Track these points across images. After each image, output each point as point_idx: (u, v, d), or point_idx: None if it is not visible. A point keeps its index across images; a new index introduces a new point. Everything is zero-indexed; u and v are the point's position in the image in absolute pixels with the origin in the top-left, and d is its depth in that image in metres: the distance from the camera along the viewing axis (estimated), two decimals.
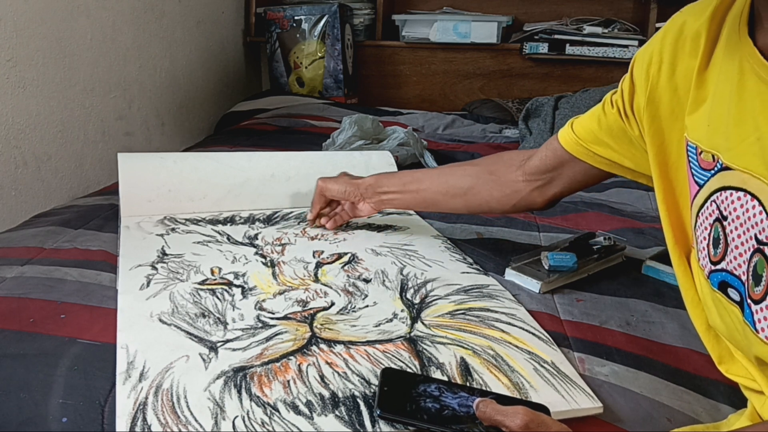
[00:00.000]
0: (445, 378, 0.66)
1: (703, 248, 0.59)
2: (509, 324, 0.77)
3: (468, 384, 0.65)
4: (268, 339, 0.72)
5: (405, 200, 0.98)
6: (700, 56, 0.61)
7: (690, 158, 0.61)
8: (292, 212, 1.15)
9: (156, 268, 0.90)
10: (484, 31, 2.22)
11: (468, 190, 0.92)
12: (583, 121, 0.79)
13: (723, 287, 0.56)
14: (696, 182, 0.60)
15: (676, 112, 0.64)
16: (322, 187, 1.02)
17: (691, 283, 0.64)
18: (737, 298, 0.55)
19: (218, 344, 0.71)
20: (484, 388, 0.64)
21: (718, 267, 0.57)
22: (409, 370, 0.67)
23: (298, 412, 0.60)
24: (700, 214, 0.59)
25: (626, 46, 2.13)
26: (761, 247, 0.52)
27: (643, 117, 0.67)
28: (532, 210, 0.92)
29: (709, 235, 0.58)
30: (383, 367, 0.66)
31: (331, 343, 0.72)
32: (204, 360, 0.68)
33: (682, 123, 0.63)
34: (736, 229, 0.54)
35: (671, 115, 0.64)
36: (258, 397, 0.62)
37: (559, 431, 0.54)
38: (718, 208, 0.56)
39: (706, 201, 0.58)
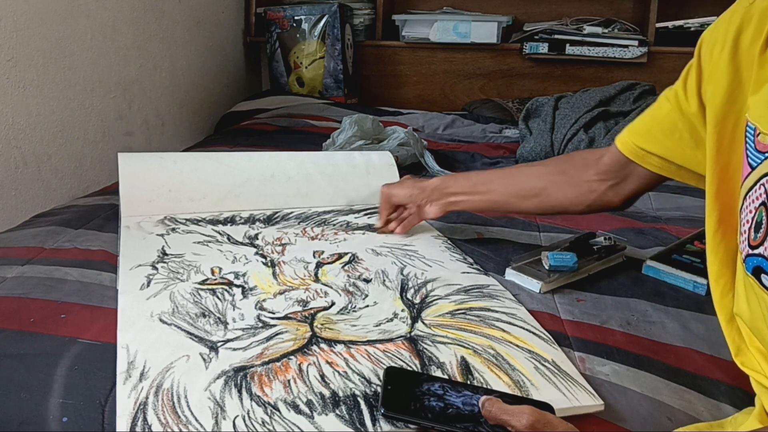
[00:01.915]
0: (446, 377, 0.66)
1: (744, 231, 0.57)
2: (510, 323, 0.77)
3: (469, 383, 0.65)
4: (268, 339, 0.72)
5: (473, 202, 0.96)
6: (765, 35, 0.59)
7: (747, 139, 0.59)
8: (292, 212, 1.15)
9: (156, 268, 0.90)
10: (484, 31, 2.22)
11: (541, 191, 0.90)
12: (637, 121, 0.78)
13: (757, 273, 0.55)
14: (749, 164, 0.58)
15: (735, 93, 0.62)
16: (388, 194, 1.02)
17: (725, 270, 0.62)
18: None
19: (219, 344, 0.71)
20: (487, 387, 0.64)
21: (756, 252, 0.55)
22: (410, 369, 0.67)
23: (299, 412, 0.60)
24: (747, 197, 0.57)
25: (626, 46, 2.13)
26: None
27: (706, 98, 0.65)
28: (609, 210, 0.90)
29: (753, 218, 0.56)
30: (386, 366, 0.66)
31: (331, 342, 0.72)
32: (204, 360, 0.68)
33: (742, 104, 0.61)
34: None
35: (730, 95, 0.62)
36: (258, 396, 0.62)
37: (566, 431, 0.54)
38: (766, 191, 0.55)
39: (755, 184, 0.56)
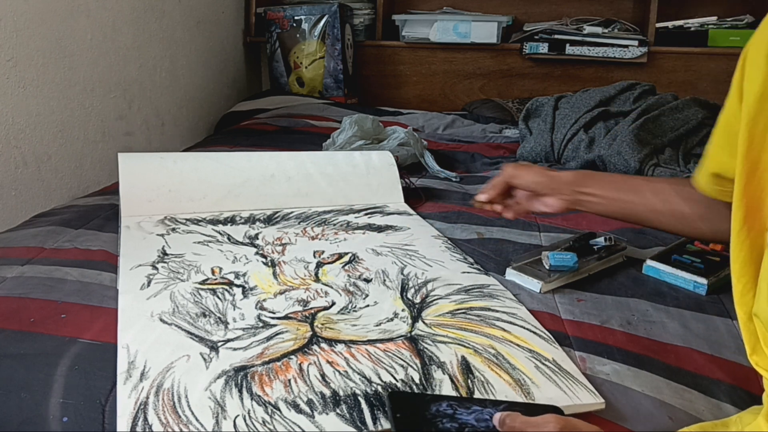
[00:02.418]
0: (446, 377, 0.66)
1: None
2: (510, 323, 0.77)
3: (469, 382, 0.65)
4: (268, 338, 0.72)
5: (607, 207, 0.86)
6: None
7: None
8: (292, 212, 1.15)
9: (156, 268, 0.90)
10: (484, 31, 2.22)
11: (689, 215, 0.81)
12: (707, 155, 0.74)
13: None
14: None
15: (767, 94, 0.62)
16: (512, 174, 0.90)
17: (747, 269, 0.60)
18: None
19: (219, 344, 0.71)
20: (494, 398, 0.62)
21: None
22: (410, 368, 0.67)
23: (300, 411, 0.60)
24: None
25: (626, 46, 2.13)
26: None
27: (746, 100, 0.64)
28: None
29: None
30: (389, 391, 0.64)
31: (332, 342, 0.72)
32: (205, 359, 0.68)
33: None
34: None
35: (764, 93, 0.62)
36: (259, 396, 0.62)
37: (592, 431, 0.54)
38: None
39: None
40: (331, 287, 0.85)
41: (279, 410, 0.60)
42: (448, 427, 0.57)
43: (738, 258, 0.62)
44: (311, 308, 0.79)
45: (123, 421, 0.59)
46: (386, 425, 0.59)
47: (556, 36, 2.19)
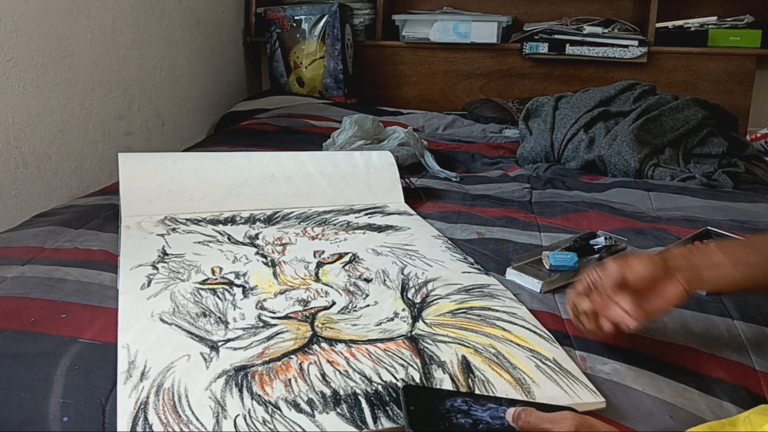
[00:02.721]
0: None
1: None
2: (510, 323, 0.77)
3: (470, 381, 0.65)
4: (269, 338, 0.72)
5: (738, 276, 0.69)
6: None
7: None
8: (292, 212, 1.15)
9: (157, 268, 0.90)
10: (484, 31, 2.22)
11: None
12: None
13: None
14: None
15: None
16: (622, 271, 0.68)
17: None
18: None
19: (219, 343, 0.71)
20: (510, 398, 0.62)
21: None
22: (411, 368, 0.67)
23: (300, 410, 0.60)
24: None
25: (626, 46, 2.13)
26: None
27: None
28: None
29: None
30: (404, 384, 0.64)
31: (332, 341, 0.72)
32: (205, 359, 0.68)
33: None
34: None
35: None
36: (259, 395, 0.62)
37: (609, 431, 0.53)
38: None
39: None
40: (332, 287, 0.85)
41: (279, 410, 0.60)
42: (462, 423, 0.57)
43: None
44: (311, 308, 0.79)
45: (123, 421, 0.59)
46: (387, 424, 0.59)
47: (556, 36, 2.20)
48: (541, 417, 0.54)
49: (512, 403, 0.59)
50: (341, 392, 0.63)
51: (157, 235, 1.02)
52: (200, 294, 0.82)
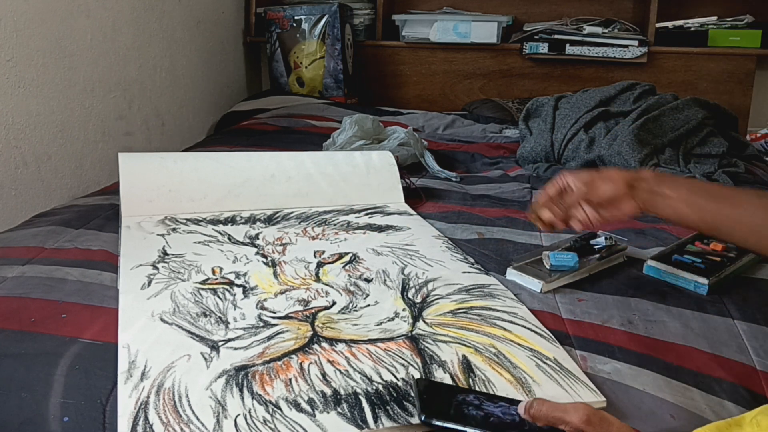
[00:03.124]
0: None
1: None
2: (511, 322, 0.77)
3: (470, 380, 0.65)
4: (269, 338, 0.72)
5: (684, 211, 0.78)
6: None
7: None
8: (292, 212, 1.14)
9: (157, 268, 0.90)
10: (484, 31, 2.22)
11: None
12: None
13: None
14: None
15: None
16: (585, 192, 0.82)
17: None
18: None
19: (220, 343, 0.71)
20: (518, 399, 0.62)
21: None
22: (411, 368, 0.67)
23: (300, 410, 0.60)
24: None
25: (626, 46, 2.13)
26: None
27: None
28: None
29: None
30: (416, 377, 0.65)
31: (332, 341, 0.72)
32: (205, 359, 0.68)
33: None
34: None
35: None
36: (260, 395, 0.62)
37: (620, 428, 0.54)
38: None
39: None
40: (332, 287, 0.85)
41: (280, 409, 0.60)
42: (474, 414, 0.57)
43: None
44: (312, 308, 0.79)
45: (124, 421, 0.59)
46: (387, 424, 0.59)
47: (556, 36, 2.19)
48: (552, 406, 0.55)
49: None
50: (342, 392, 0.63)
51: (158, 235, 1.02)
52: (200, 294, 0.82)
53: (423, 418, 0.57)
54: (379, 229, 1.08)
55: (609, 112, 1.59)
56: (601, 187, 0.82)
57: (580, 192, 0.83)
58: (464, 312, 0.79)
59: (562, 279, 0.89)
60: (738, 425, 0.58)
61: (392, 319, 0.77)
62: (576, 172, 0.85)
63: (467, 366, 0.68)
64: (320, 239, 1.03)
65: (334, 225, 1.09)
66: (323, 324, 0.75)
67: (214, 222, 1.08)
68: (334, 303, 0.81)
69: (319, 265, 0.92)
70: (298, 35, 2.27)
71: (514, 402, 0.60)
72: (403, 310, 0.80)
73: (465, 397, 0.60)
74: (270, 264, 0.92)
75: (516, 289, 0.87)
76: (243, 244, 1.00)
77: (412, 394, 0.62)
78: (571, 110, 1.61)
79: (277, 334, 0.73)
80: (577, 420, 0.53)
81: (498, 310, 0.80)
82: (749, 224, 0.75)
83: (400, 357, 0.69)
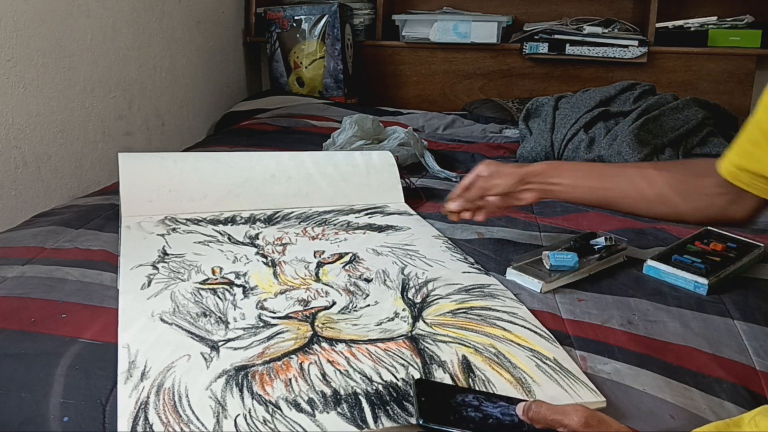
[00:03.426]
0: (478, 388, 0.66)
1: None
2: (511, 322, 0.77)
3: (470, 381, 0.65)
4: (269, 338, 0.72)
5: (577, 194, 0.91)
6: None
7: None
8: (293, 212, 1.15)
9: (157, 268, 0.90)
10: (484, 31, 2.22)
11: (657, 197, 0.85)
12: (734, 145, 0.76)
13: None
14: None
15: None
16: (486, 188, 0.94)
17: None
18: None
19: (219, 343, 0.71)
20: (519, 398, 0.62)
21: None
22: (411, 368, 0.67)
23: (300, 410, 0.60)
24: None
25: (626, 46, 2.13)
26: None
27: None
28: (731, 225, 0.84)
29: None
30: (416, 378, 0.65)
31: (332, 341, 0.72)
32: (205, 359, 0.68)
33: None
34: None
35: None
36: (260, 395, 0.62)
37: (618, 430, 0.54)
38: None
39: None
40: (332, 287, 0.85)
41: (280, 409, 0.60)
42: (473, 416, 0.57)
43: None
44: (312, 308, 0.79)
45: (124, 421, 0.59)
46: (387, 424, 0.59)
47: (556, 36, 2.19)
48: (551, 408, 0.55)
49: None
50: (342, 392, 0.63)
51: (158, 235, 1.02)
52: (200, 294, 0.82)
53: (420, 421, 0.57)
54: (379, 229, 1.08)
55: (609, 112, 1.59)
56: (498, 182, 0.93)
57: (481, 186, 0.94)
58: (464, 312, 0.79)
59: (562, 279, 0.89)
60: (737, 426, 0.58)
61: (392, 319, 0.77)
62: (482, 165, 0.95)
63: (467, 366, 0.68)
64: (320, 239, 1.03)
65: (334, 225, 1.09)
66: (323, 324, 0.75)
67: (214, 222, 1.08)
68: (334, 303, 0.81)
69: (319, 265, 0.92)
70: (298, 35, 2.27)
71: (515, 401, 0.60)
72: (403, 310, 0.80)
73: (464, 397, 0.60)
74: (270, 264, 0.92)
75: (516, 289, 0.87)
76: (243, 244, 1.00)
77: (412, 395, 0.62)
78: (571, 110, 1.61)
79: (277, 334, 0.73)
80: (575, 422, 0.53)
81: (498, 310, 0.80)
82: (631, 194, 0.87)
83: (400, 357, 0.69)
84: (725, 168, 0.76)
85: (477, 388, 0.64)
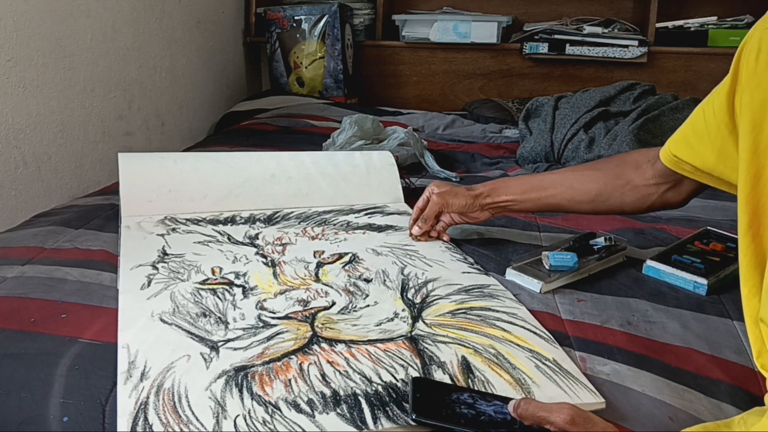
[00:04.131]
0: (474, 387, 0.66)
1: None
2: (510, 323, 0.77)
3: (470, 381, 0.65)
4: (269, 338, 0.72)
5: (525, 206, 0.99)
6: None
7: None
8: (292, 212, 1.15)
9: (157, 268, 0.90)
10: (484, 31, 2.22)
11: (597, 195, 0.92)
12: (677, 131, 0.82)
13: None
14: None
15: None
16: (442, 204, 1.00)
17: (753, 273, 0.62)
18: None
19: (219, 344, 0.71)
20: (513, 398, 0.63)
21: None
22: (411, 368, 0.67)
23: (300, 411, 0.60)
24: None
25: (626, 46, 2.13)
26: None
27: (742, 104, 0.66)
28: (669, 209, 0.91)
29: None
30: (413, 376, 0.65)
31: (332, 342, 0.72)
32: (205, 359, 0.68)
33: None
34: None
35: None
36: (259, 395, 0.62)
37: (605, 428, 0.54)
38: None
39: None
40: (332, 287, 0.85)
41: (279, 410, 0.60)
42: (465, 413, 0.58)
43: (743, 262, 0.62)
44: (311, 308, 0.79)
45: (123, 421, 0.59)
46: (387, 425, 0.59)
47: (556, 36, 2.19)
48: (539, 406, 0.56)
49: None
50: (341, 392, 0.63)
51: (157, 235, 1.02)
52: (200, 294, 0.82)
53: (414, 416, 0.58)
54: (379, 229, 1.08)
55: (609, 112, 1.59)
56: (453, 201, 1.00)
57: (437, 202, 1.00)
58: (464, 312, 0.80)
59: (561, 279, 0.89)
60: (727, 427, 0.59)
61: (392, 319, 0.77)
62: (433, 185, 1.02)
63: (467, 367, 0.68)
64: (320, 239, 1.03)
65: (334, 225, 1.09)
66: (323, 324, 0.75)
67: (214, 222, 1.08)
68: (333, 303, 0.81)
69: (319, 265, 0.92)
70: (298, 35, 2.28)
71: (509, 400, 0.60)
72: (403, 310, 0.80)
73: (459, 395, 0.61)
74: (270, 264, 0.92)
75: (515, 289, 0.87)
76: (243, 244, 1.00)
77: (408, 392, 0.62)
78: (571, 110, 1.62)
79: (277, 334, 0.73)
80: (561, 420, 0.54)
81: (497, 311, 0.80)
82: (576, 196, 0.93)
83: (400, 358, 0.69)
84: (667, 158, 0.82)
85: (475, 389, 0.65)
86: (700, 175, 0.79)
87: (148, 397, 0.62)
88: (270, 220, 1.10)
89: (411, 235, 1.03)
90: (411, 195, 1.26)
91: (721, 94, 0.71)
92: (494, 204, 0.99)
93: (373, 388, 0.64)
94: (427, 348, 0.71)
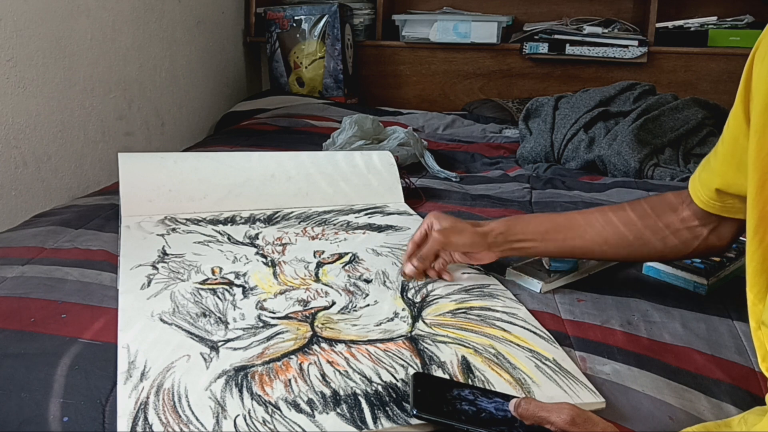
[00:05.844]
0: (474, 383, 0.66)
1: None
2: (510, 323, 0.77)
3: (470, 381, 0.65)
4: (269, 338, 0.72)
5: (546, 248, 0.86)
6: None
7: None
8: (292, 212, 1.15)
9: (157, 268, 0.90)
10: (484, 31, 2.22)
11: (634, 241, 0.82)
12: (703, 171, 0.75)
13: None
14: None
15: None
16: (444, 242, 0.86)
17: (759, 278, 0.60)
18: None
19: (219, 344, 0.71)
20: (513, 395, 0.63)
21: None
22: (411, 368, 0.67)
23: (300, 411, 0.60)
24: None
25: (626, 46, 2.13)
26: None
27: (753, 109, 0.64)
28: (714, 254, 0.83)
29: None
30: (414, 371, 0.65)
31: (332, 342, 0.72)
32: (205, 359, 0.68)
33: None
34: None
35: None
36: (259, 395, 0.62)
37: (605, 428, 0.54)
38: None
39: None
40: (332, 287, 0.85)
41: (279, 410, 0.60)
42: (465, 409, 0.58)
43: (750, 268, 0.61)
44: (311, 308, 0.79)
45: (123, 421, 0.59)
46: (387, 425, 0.59)
47: (556, 36, 2.20)
48: (539, 405, 0.56)
49: None
50: (341, 392, 0.63)
51: (157, 235, 1.02)
52: (200, 294, 0.82)
53: (414, 411, 0.58)
54: (379, 229, 1.08)
55: (609, 112, 1.59)
56: (455, 241, 0.87)
57: (438, 240, 0.86)
58: (464, 312, 0.80)
59: (561, 279, 0.89)
60: (727, 426, 0.59)
61: (392, 319, 0.77)
62: (433, 218, 0.88)
63: (467, 367, 0.68)
64: (320, 239, 1.03)
65: (334, 225, 1.09)
66: (323, 324, 0.75)
67: (214, 222, 1.08)
68: (333, 303, 0.81)
69: (319, 265, 0.92)
70: (298, 35, 2.28)
71: (510, 398, 0.60)
72: (403, 310, 0.80)
73: (460, 392, 0.61)
74: (270, 264, 0.92)
75: (515, 289, 0.87)
76: (243, 244, 1.00)
77: (409, 388, 0.62)
78: (571, 110, 1.62)
79: (277, 334, 0.73)
80: (561, 421, 0.54)
81: (497, 311, 0.80)
82: (610, 239, 0.82)
83: (400, 358, 0.69)
84: (698, 198, 0.76)
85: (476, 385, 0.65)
86: (731, 203, 0.73)
87: (148, 397, 0.62)
88: (270, 220, 1.10)
89: (403, 274, 0.88)
90: (411, 195, 1.26)
91: (736, 105, 0.68)
92: (508, 246, 0.87)
93: (373, 388, 0.64)
94: (427, 348, 0.71)
